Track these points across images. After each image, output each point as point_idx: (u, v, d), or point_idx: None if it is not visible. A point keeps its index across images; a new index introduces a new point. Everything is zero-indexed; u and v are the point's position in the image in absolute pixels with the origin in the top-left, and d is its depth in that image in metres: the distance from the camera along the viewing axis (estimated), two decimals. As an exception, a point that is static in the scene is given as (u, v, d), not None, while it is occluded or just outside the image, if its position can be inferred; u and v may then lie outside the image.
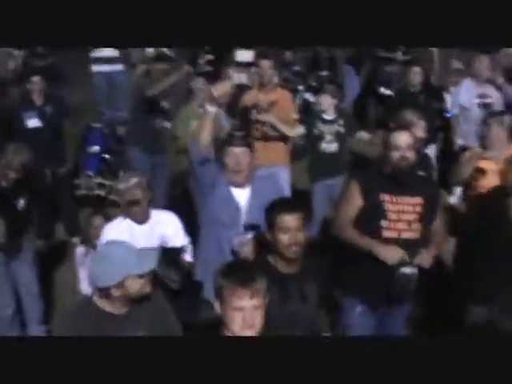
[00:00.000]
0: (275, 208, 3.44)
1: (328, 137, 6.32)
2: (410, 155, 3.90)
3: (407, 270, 3.76)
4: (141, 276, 2.97)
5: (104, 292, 2.98)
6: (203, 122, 3.70)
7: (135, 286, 2.97)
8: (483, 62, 6.98)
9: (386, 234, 3.89)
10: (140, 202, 4.10)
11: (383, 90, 9.31)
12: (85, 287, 4.67)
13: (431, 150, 6.77)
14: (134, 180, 4.10)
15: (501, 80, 7.00)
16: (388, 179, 3.95)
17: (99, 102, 9.39)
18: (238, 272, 2.64)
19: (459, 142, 7.20)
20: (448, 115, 8.64)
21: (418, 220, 3.93)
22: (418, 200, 3.94)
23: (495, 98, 6.91)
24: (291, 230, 3.34)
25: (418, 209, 3.93)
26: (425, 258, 3.85)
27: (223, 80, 3.66)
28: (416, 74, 7.06)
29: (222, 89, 3.67)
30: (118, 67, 9.10)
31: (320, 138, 6.34)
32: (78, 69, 10.52)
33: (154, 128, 6.66)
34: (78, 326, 2.96)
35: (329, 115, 6.43)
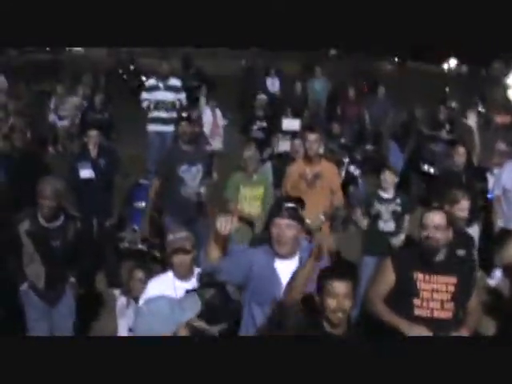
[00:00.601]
0: (327, 273, 3.53)
1: (385, 215, 6.23)
2: (440, 236, 3.93)
3: None
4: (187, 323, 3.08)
5: None
6: (215, 239, 3.69)
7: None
8: None
9: (418, 312, 3.91)
10: (188, 251, 4.21)
11: (427, 168, 9.40)
12: None
13: (474, 230, 6.74)
14: (183, 233, 4.26)
15: None
16: (421, 258, 3.99)
17: (149, 160, 9.60)
18: None
19: (500, 223, 7.21)
20: (489, 196, 8.69)
21: (451, 299, 3.94)
22: (452, 279, 3.95)
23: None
24: (339, 296, 3.42)
25: (452, 288, 3.94)
26: None
27: (226, 217, 3.65)
28: (461, 154, 7.10)
29: (225, 224, 3.71)
30: (171, 128, 9.34)
31: (378, 217, 6.24)
32: (129, 124, 10.97)
33: (180, 196, 6.61)
34: None
35: (387, 194, 6.33)
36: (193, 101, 11.70)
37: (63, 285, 5.21)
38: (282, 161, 8.35)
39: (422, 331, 3.76)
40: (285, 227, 3.87)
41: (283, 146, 9.97)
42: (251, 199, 6.41)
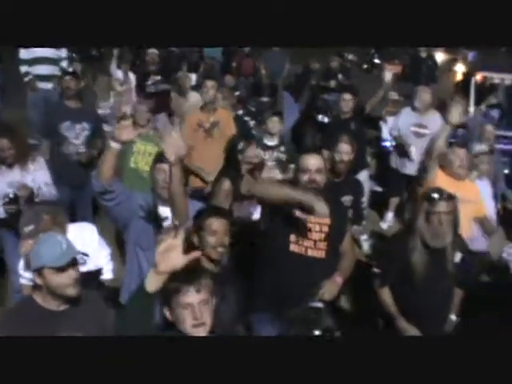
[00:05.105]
0: (204, 212, 3.73)
1: (269, 163, 6.11)
2: (320, 178, 3.97)
3: (313, 304, 3.87)
4: (59, 270, 3.06)
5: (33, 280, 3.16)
6: (106, 156, 3.66)
7: (54, 280, 3.08)
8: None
9: (293, 248, 3.98)
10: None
11: (321, 118, 9.52)
12: None
13: (362, 176, 6.93)
14: (28, 228, 3.97)
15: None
16: None
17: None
18: (183, 273, 2.75)
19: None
20: (383, 144, 8.96)
21: (324, 239, 4.03)
22: (326, 221, 4.01)
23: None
24: (218, 232, 3.59)
25: (325, 228, 4.02)
26: (328, 291, 3.94)
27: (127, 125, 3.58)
28: (347, 102, 7.21)
29: (126, 135, 3.64)
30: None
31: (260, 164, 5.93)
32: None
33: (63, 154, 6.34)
34: (18, 323, 3.10)
35: (272, 141, 6.34)
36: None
37: None
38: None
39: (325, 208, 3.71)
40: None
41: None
42: (145, 154, 6.32)
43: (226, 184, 4.89)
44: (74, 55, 10.40)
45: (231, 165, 5.15)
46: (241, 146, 5.10)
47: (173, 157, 3.38)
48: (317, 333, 2.90)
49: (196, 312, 2.74)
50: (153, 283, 2.57)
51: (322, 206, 3.62)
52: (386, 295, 4.19)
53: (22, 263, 4.12)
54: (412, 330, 4.03)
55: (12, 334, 2.99)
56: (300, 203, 3.69)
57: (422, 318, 4.04)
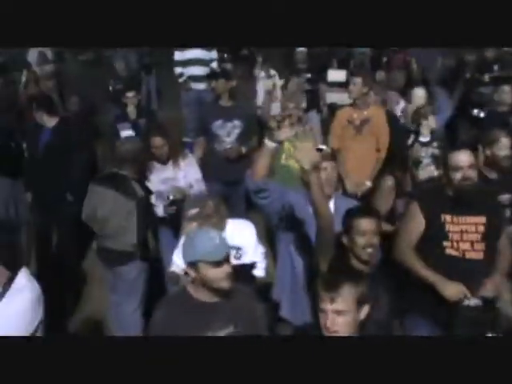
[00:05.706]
0: (354, 212, 3.67)
1: (426, 160, 6.03)
2: (473, 175, 3.84)
3: (471, 302, 3.73)
4: (214, 265, 3.14)
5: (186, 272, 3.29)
6: (261, 154, 3.66)
7: (209, 274, 3.16)
8: None
9: (450, 251, 3.86)
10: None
11: (476, 112, 9.12)
12: None
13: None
14: (193, 211, 4.23)
15: None
16: (450, 200, 3.90)
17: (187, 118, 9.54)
18: (324, 278, 2.88)
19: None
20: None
21: (481, 240, 3.86)
22: (481, 219, 3.87)
23: None
24: (368, 232, 3.53)
25: (481, 228, 3.86)
26: (488, 289, 3.80)
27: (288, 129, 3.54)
28: (505, 94, 6.86)
29: (285, 135, 3.63)
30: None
31: (418, 161, 5.98)
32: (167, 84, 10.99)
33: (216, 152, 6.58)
34: (172, 313, 3.24)
35: (426, 137, 6.22)
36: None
37: None
38: (331, 112, 8.25)
39: (456, 287, 3.71)
40: (330, 169, 4.02)
41: (330, 97, 9.83)
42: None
43: (390, 181, 4.84)
44: (224, 56, 10.68)
45: (396, 161, 5.06)
46: (411, 141, 5.00)
47: (307, 165, 3.36)
48: (478, 332, 2.83)
49: (328, 320, 2.78)
50: None
51: (452, 291, 3.69)
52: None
53: (176, 251, 4.28)
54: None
55: (167, 324, 3.16)
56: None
57: None
